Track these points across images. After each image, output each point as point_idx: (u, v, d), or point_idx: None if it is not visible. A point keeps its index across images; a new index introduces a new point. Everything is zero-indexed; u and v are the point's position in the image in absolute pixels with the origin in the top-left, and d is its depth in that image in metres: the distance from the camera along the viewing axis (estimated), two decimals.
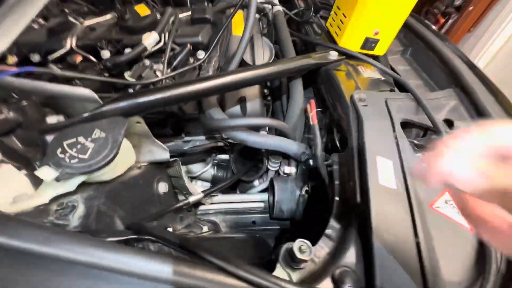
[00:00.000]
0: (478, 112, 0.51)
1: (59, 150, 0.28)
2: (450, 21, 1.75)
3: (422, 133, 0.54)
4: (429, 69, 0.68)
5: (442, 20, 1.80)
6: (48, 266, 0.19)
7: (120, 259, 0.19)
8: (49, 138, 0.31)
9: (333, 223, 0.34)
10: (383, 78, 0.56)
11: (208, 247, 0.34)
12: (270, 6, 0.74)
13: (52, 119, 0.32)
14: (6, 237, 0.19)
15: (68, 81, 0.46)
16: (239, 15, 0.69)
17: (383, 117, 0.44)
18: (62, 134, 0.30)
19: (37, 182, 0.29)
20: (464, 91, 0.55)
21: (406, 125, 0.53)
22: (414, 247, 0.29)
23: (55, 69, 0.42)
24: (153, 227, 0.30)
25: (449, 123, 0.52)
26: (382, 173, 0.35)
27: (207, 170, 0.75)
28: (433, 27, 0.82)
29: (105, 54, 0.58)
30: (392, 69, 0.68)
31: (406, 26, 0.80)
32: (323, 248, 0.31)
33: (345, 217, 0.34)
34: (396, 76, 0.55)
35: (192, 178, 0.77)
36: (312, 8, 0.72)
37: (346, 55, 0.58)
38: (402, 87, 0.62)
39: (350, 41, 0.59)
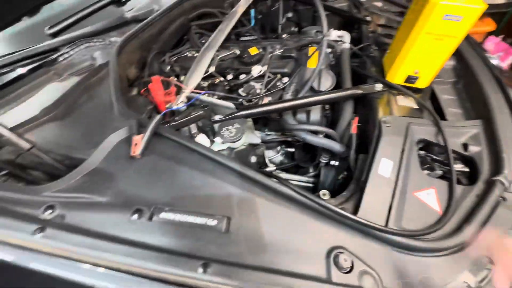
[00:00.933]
0: (493, 142, 0.65)
1: (222, 131, 0.65)
2: None
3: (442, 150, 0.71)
4: (473, 100, 0.81)
5: None
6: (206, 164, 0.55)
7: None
8: (215, 126, 0.69)
9: (350, 187, 0.61)
10: (416, 107, 0.76)
11: None
12: (339, 43, 1.00)
13: (216, 117, 0.71)
14: (204, 150, 0.55)
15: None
16: (312, 49, 0.98)
17: (399, 135, 0.66)
18: (222, 124, 0.67)
19: (212, 143, 0.67)
20: (489, 123, 0.69)
21: (428, 143, 0.71)
22: (388, 205, 0.54)
23: (215, 94, 0.81)
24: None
25: (465, 146, 0.68)
26: (383, 167, 0.59)
27: (277, 156, 1.08)
28: (493, 61, 0.90)
29: (229, 76, 0.98)
30: (434, 97, 0.84)
31: (462, 59, 0.91)
32: (336, 199, 0.59)
33: (355, 187, 0.61)
34: (421, 103, 0.73)
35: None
36: (370, 46, 0.94)
37: (389, 87, 0.80)
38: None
39: (396, 76, 0.80)
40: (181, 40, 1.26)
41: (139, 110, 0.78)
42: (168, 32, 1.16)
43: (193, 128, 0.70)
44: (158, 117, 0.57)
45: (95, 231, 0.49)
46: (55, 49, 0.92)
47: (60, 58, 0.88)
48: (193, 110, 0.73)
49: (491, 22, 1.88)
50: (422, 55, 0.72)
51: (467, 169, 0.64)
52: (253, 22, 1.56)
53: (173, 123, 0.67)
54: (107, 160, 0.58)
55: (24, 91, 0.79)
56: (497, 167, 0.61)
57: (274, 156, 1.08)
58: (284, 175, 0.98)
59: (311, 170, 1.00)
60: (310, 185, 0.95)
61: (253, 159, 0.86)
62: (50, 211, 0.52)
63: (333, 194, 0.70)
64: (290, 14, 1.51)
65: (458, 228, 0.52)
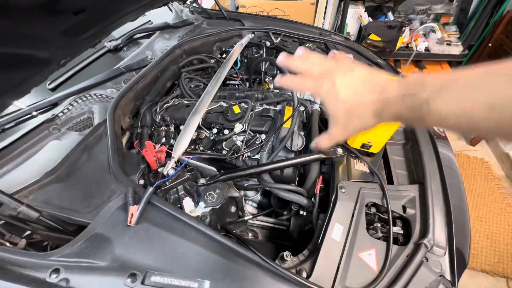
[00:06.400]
0: (424, 207, 0.82)
1: (206, 196, 0.77)
2: None
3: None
4: (416, 163, 0.98)
5: None
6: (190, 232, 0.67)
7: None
8: (200, 188, 0.81)
9: (308, 248, 0.75)
10: (368, 171, 0.92)
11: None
12: (311, 103, 1.16)
13: (201, 181, 0.83)
14: (189, 220, 0.67)
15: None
16: (289, 109, 1.13)
17: (352, 200, 0.81)
18: (206, 188, 0.80)
19: (196, 206, 0.79)
20: (423, 189, 0.86)
21: (374, 204, 0.87)
22: (336, 266, 0.68)
23: (196, 157, 0.93)
24: (229, 229, 0.76)
25: (404, 208, 0.84)
26: (335, 231, 0.73)
27: (257, 196, 1.21)
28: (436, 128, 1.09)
29: (214, 130, 1.10)
30: (386, 157, 1.01)
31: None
32: (298, 257, 0.72)
33: (313, 247, 0.74)
34: (373, 169, 0.89)
35: (247, 200, 1.24)
36: None
37: (348, 151, 0.96)
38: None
39: (353, 142, 0.96)
40: (172, 85, 1.38)
41: (134, 168, 0.88)
42: (160, 81, 1.27)
43: (180, 189, 0.81)
44: (151, 189, 0.69)
45: None
46: (55, 104, 1.01)
47: (60, 114, 0.97)
48: (181, 171, 0.84)
49: (449, 69, 2.15)
50: (372, 131, 0.88)
51: (401, 232, 0.79)
52: (239, 65, 1.71)
53: (164, 188, 0.78)
54: (106, 227, 0.68)
55: (25, 149, 0.88)
56: (424, 230, 0.77)
57: (254, 196, 1.21)
58: (261, 218, 1.12)
59: (285, 213, 1.14)
60: (284, 227, 1.08)
61: (233, 209, 0.99)
62: (55, 275, 0.61)
63: (300, 242, 0.84)
64: None
65: (389, 286, 0.66)
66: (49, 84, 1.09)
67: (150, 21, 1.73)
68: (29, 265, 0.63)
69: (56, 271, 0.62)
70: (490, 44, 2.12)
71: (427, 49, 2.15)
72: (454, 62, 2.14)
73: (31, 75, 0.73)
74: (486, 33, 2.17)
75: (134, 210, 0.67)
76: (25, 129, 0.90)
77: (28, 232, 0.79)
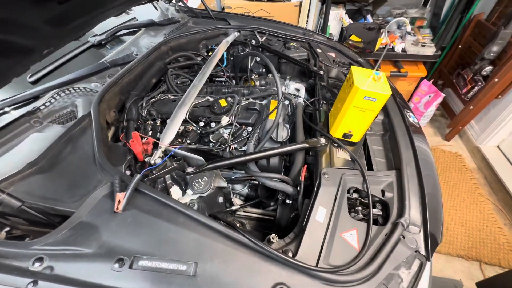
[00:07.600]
0: (401, 190, 0.87)
1: (193, 183, 0.79)
2: (476, 88, 1.93)
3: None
4: (393, 151, 1.04)
5: (469, 86, 1.98)
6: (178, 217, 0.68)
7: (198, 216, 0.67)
8: (187, 177, 0.82)
9: (294, 231, 0.78)
10: (350, 159, 0.97)
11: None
12: (295, 97, 1.21)
13: (188, 170, 0.84)
14: (177, 205, 0.68)
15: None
16: (274, 103, 1.16)
17: (334, 185, 0.85)
18: (193, 177, 0.81)
19: (184, 193, 0.80)
20: (400, 174, 0.91)
21: (356, 190, 0.91)
22: (320, 245, 0.71)
23: (184, 147, 0.95)
24: (217, 216, 0.78)
25: (383, 192, 0.89)
26: (319, 214, 0.77)
27: (244, 189, 1.23)
28: (411, 119, 1.16)
29: (201, 124, 1.12)
30: (366, 146, 1.06)
31: (388, 115, 1.16)
32: (284, 240, 0.75)
33: (298, 230, 0.77)
34: (354, 157, 0.94)
35: (235, 193, 1.26)
36: (320, 100, 1.15)
37: (331, 140, 1.00)
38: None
39: (336, 132, 1.00)
40: (158, 81, 1.38)
41: (120, 159, 0.88)
42: (146, 76, 1.27)
43: (168, 179, 0.82)
44: (138, 176, 0.69)
45: (82, 281, 0.59)
46: (36, 97, 0.98)
47: (42, 107, 0.95)
48: (169, 161, 0.85)
49: (424, 69, 2.29)
50: (352, 121, 0.94)
51: (380, 214, 0.84)
52: (225, 62, 1.74)
53: (151, 177, 0.79)
54: (92, 214, 0.68)
55: (4, 142, 0.85)
56: (401, 211, 0.82)
57: (241, 189, 1.23)
58: (248, 209, 1.14)
59: (272, 203, 1.16)
60: (271, 217, 1.11)
61: (221, 199, 1.00)
62: (39, 263, 0.60)
63: (286, 229, 0.86)
64: (258, 58, 1.71)
65: (369, 262, 0.70)
66: (29, 77, 1.06)
67: (135, 18, 1.73)
68: (11, 255, 0.61)
69: (40, 259, 0.61)
70: (460, 46, 2.27)
71: (403, 50, 2.28)
72: (428, 62, 2.28)
73: (12, 64, 0.71)
74: (456, 35, 2.33)
75: (121, 197, 0.67)
76: (4, 122, 0.88)
77: (8, 229, 0.77)
